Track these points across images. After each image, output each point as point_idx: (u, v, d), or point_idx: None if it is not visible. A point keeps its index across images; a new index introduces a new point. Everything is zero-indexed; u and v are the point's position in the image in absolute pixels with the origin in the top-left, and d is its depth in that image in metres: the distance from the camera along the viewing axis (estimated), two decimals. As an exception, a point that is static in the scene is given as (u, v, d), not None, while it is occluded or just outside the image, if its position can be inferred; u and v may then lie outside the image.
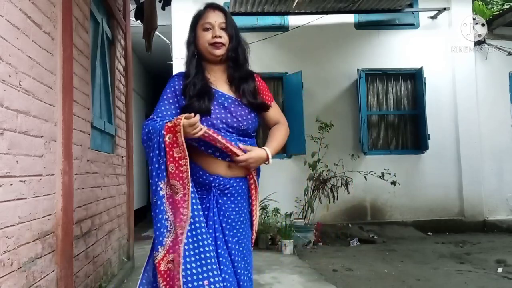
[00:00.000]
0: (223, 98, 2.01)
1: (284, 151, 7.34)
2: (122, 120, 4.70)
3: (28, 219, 2.16)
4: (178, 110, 1.99)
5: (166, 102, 2.02)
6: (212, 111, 1.96)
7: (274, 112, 2.18)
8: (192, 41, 2.07)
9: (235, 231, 1.98)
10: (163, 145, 1.84)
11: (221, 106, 1.99)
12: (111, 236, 3.98)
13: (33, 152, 2.24)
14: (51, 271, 2.46)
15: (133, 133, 5.23)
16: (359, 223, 7.17)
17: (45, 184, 2.38)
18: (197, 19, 2.08)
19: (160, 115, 1.98)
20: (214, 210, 1.94)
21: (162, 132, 1.84)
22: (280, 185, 6.83)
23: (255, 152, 1.97)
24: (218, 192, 1.96)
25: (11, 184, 1.99)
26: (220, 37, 2.00)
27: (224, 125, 1.96)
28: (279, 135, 2.15)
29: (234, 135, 1.98)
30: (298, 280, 4.32)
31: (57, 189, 2.54)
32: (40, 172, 2.33)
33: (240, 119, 1.99)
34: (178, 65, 7.10)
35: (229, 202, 1.98)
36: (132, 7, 5.48)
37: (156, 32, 5.24)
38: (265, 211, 6.34)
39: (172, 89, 2.04)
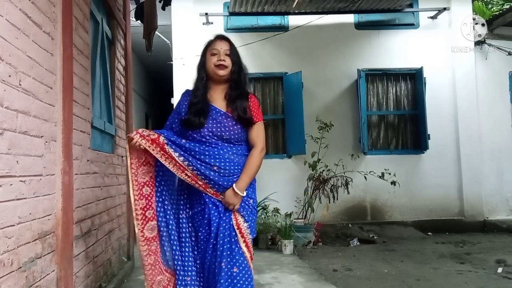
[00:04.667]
0: (215, 112, 2.47)
1: (284, 151, 7.34)
2: (122, 120, 4.70)
3: (28, 219, 2.16)
4: (177, 120, 2.54)
5: (172, 114, 2.62)
6: (205, 125, 2.43)
7: (255, 132, 2.50)
8: (202, 64, 2.56)
9: None
10: None
11: (212, 119, 2.45)
12: (111, 236, 3.98)
13: (33, 152, 2.24)
14: (51, 271, 2.46)
15: (133, 133, 5.21)
16: (359, 223, 7.17)
17: (45, 184, 2.38)
18: (208, 46, 2.57)
19: (167, 123, 2.62)
20: None
21: None
22: (280, 185, 6.83)
23: (227, 196, 2.38)
24: None
25: (11, 184, 1.99)
26: (224, 60, 2.49)
27: (211, 134, 2.43)
28: (248, 167, 2.44)
29: (219, 142, 2.43)
30: (298, 280, 4.32)
31: (57, 189, 2.54)
32: (40, 172, 2.33)
33: (223, 129, 2.43)
34: (178, 65, 7.10)
35: None
36: (132, 7, 5.48)
37: (156, 32, 5.25)
38: (265, 211, 6.33)
39: (179, 105, 2.59)
